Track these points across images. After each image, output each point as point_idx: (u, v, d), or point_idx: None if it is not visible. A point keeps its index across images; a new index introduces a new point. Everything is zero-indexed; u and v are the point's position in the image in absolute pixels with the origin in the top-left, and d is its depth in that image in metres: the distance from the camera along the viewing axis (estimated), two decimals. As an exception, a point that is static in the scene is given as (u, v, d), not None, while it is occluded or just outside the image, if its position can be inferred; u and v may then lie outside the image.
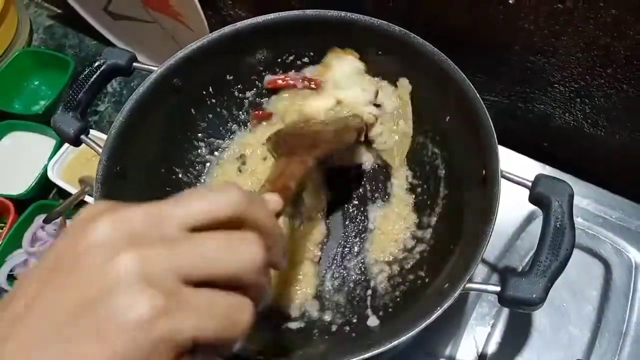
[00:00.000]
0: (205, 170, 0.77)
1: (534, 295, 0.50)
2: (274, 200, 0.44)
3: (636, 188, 0.75)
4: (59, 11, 1.24)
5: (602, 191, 0.76)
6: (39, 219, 0.99)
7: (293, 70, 0.77)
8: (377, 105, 0.74)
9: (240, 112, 0.79)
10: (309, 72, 0.76)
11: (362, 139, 0.74)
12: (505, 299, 0.51)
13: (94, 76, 0.66)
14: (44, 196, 1.03)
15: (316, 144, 0.64)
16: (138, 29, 1.06)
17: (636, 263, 0.71)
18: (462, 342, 0.69)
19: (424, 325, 0.51)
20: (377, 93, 0.74)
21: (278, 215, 0.45)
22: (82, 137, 0.65)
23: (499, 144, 0.58)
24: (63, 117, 0.65)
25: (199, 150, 0.76)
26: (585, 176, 0.76)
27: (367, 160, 0.78)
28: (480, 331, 0.69)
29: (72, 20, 1.16)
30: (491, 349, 0.68)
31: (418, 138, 0.74)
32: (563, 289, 0.70)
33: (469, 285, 0.52)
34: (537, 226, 0.55)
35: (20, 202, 0.99)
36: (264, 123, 0.79)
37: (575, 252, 0.53)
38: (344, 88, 0.74)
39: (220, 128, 0.78)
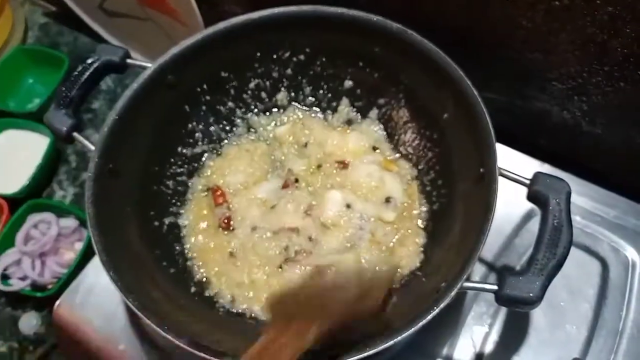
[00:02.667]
0: (200, 167, 0.76)
1: (531, 294, 0.50)
2: None
3: (634, 186, 0.75)
4: (53, 9, 1.23)
5: (599, 189, 0.76)
6: (33, 217, 0.98)
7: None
8: (388, 200, 0.71)
9: (236, 109, 0.78)
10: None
11: (387, 308, 0.60)
12: (502, 298, 0.51)
13: (87, 73, 0.65)
14: (38, 195, 1.03)
15: (326, 309, 0.50)
16: (133, 26, 1.05)
17: (633, 261, 0.71)
18: (460, 341, 0.68)
19: (420, 325, 0.50)
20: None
21: None
22: (75, 134, 0.64)
23: (496, 141, 0.58)
24: (56, 114, 0.64)
25: (194, 148, 0.75)
26: (583, 174, 0.76)
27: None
28: (478, 330, 0.69)
29: (67, 18, 1.16)
30: (489, 348, 0.68)
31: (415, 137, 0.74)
32: (560, 288, 0.69)
33: (466, 284, 0.52)
34: (535, 224, 0.54)
35: (14, 201, 0.99)
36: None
37: (573, 250, 0.52)
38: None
39: (215, 125, 0.77)
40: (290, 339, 0.47)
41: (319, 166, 0.74)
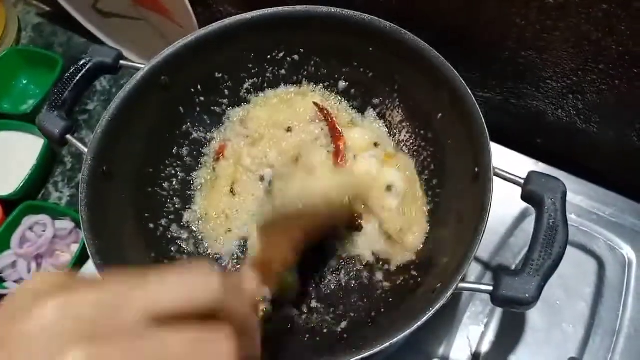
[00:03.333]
0: (196, 168, 0.76)
1: (527, 295, 0.50)
2: (254, 287, 0.41)
3: (629, 184, 0.75)
4: (47, 9, 1.22)
5: (595, 187, 0.76)
6: (28, 219, 0.98)
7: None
8: (389, 188, 0.70)
9: (230, 109, 0.78)
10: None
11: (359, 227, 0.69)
12: (498, 299, 0.51)
13: (80, 74, 0.65)
14: (33, 197, 1.02)
15: (308, 225, 0.58)
16: (127, 26, 1.05)
17: (629, 260, 0.71)
18: (456, 341, 0.68)
19: (416, 326, 0.50)
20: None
21: (256, 306, 0.42)
22: (68, 136, 0.64)
23: (491, 140, 0.58)
24: (48, 117, 0.64)
25: (188, 149, 0.75)
26: (579, 172, 0.76)
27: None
28: (474, 330, 0.68)
29: (61, 18, 1.15)
30: (485, 347, 0.68)
31: (412, 137, 0.74)
32: (556, 287, 0.69)
33: (462, 284, 0.52)
34: (531, 223, 0.54)
35: (9, 203, 0.98)
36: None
37: (569, 249, 0.52)
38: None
39: (209, 126, 0.77)
40: (285, 247, 0.53)
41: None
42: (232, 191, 0.74)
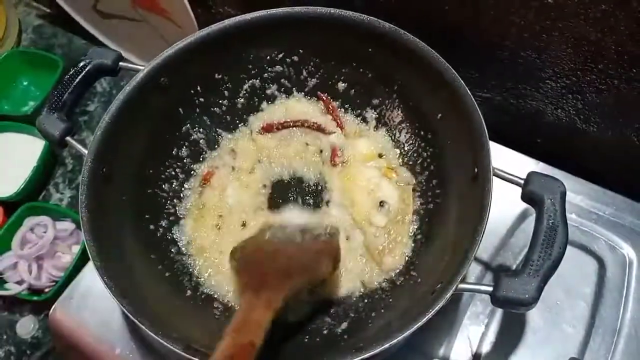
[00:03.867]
0: (196, 169, 0.76)
1: (527, 296, 0.50)
2: None
3: (629, 183, 0.75)
4: (48, 10, 1.23)
5: (595, 187, 0.76)
6: (29, 221, 0.98)
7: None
8: (382, 204, 0.71)
9: (230, 109, 0.78)
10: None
11: (339, 269, 0.66)
12: (497, 300, 0.50)
13: (79, 77, 0.65)
14: (34, 198, 1.03)
15: (287, 273, 0.58)
16: (127, 27, 1.05)
17: (630, 259, 0.71)
18: (456, 341, 0.68)
19: (415, 327, 0.50)
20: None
21: None
22: (68, 138, 0.64)
23: (491, 140, 0.58)
24: (48, 119, 0.64)
25: (188, 150, 0.75)
26: (578, 172, 0.76)
27: (351, 290, 0.67)
28: (475, 330, 0.68)
29: (62, 20, 1.15)
30: (485, 348, 0.67)
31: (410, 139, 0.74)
32: (557, 287, 0.69)
33: (462, 285, 0.52)
34: (531, 223, 0.54)
35: (10, 204, 0.98)
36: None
37: (569, 248, 0.52)
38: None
39: (210, 126, 0.77)
40: (262, 309, 0.52)
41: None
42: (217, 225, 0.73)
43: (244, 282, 0.59)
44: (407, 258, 0.68)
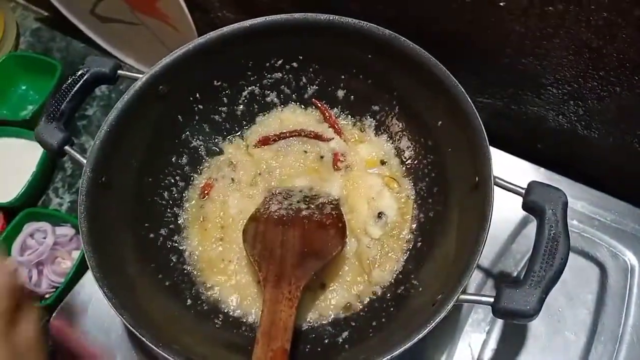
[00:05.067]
0: (195, 177, 0.76)
1: (528, 307, 0.49)
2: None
3: (631, 190, 0.74)
4: (46, 14, 1.22)
5: (596, 193, 0.75)
6: (29, 226, 0.98)
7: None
8: (380, 215, 0.71)
9: (230, 116, 0.77)
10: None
11: (345, 245, 0.67)
12: (499, 311, 0.50)
13: (77, 85, 0.65)
14: (33, 203, 1.02)
15: (302, 256, 0.62)
16: (126, 31, 1.05)
17: (632, 266, 0.70)
18: (458, 348, 0.68)
19: (416, 339, 0.50)
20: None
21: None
22: (67, 148, 0.64)
23: (492, 145, 0.58)
24: (46, 128, 0.63)
25: (188, 158, 0.75)
26: (580, 178, 0.75)
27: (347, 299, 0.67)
28: (476, 338, 0.68)
29: (60, 23, 1.15)
30: (487, 355, 0.67)
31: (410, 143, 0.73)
32: (558, 294, 0.69)
33: (463, 296, 0.52)
34: (532, 229, 0.54)
35: (9, 210, 0.98)
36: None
37: (571, 255, 0.52)
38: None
39: (209, 134, 0.77)
40: (286, 309, 0.55)
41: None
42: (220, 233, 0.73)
43: (263, 277, 0.60)
44: (395, 275, 0.68)
